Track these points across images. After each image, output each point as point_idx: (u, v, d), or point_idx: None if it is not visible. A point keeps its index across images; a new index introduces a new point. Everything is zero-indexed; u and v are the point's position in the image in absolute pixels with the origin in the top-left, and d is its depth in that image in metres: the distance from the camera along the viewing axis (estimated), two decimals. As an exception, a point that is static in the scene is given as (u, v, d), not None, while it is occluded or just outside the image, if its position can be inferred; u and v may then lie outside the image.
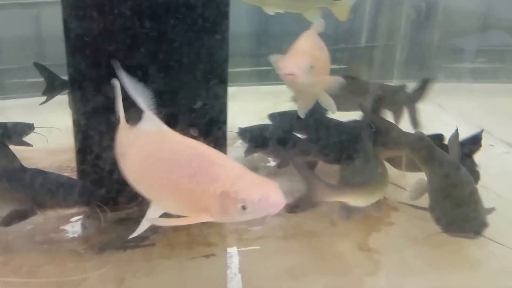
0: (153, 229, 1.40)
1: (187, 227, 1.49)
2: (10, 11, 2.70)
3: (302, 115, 1.59)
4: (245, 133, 1.99)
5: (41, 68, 2.09)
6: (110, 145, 1.18)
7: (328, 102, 1.53)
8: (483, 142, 1.74)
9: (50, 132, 2.01)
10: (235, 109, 1.67)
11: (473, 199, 1.46)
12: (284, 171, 1.86)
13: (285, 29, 2.37)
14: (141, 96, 0.99)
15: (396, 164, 1.80)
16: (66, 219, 1.56)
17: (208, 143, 0.97)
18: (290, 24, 2.24)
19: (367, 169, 1.58)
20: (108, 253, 1.42)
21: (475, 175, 1.63)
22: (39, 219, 1.49)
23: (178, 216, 0.98)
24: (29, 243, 1.48)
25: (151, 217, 1.02)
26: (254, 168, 1.13)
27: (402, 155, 1.75)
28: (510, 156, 2.24)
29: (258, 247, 1.51)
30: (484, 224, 1.39)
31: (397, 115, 1.95)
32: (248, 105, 2.47)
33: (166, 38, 1.42)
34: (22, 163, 1.47)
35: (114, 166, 1.17)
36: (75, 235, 1.53)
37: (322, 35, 1.63)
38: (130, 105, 1.04)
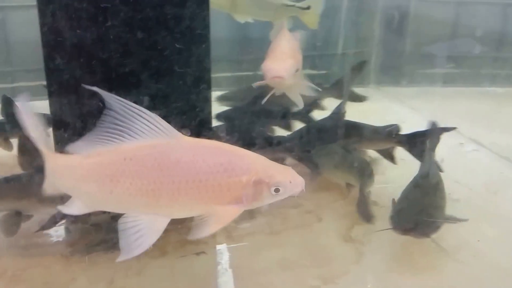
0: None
1: (175, 226, 1.46)
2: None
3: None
4: None
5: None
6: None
7: (297, 99, 1.73)
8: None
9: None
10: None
11: (427, 200, 1.55)
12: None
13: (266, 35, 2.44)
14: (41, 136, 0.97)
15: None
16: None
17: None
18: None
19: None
20: (96, 255, 1.44)
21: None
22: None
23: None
24: (13, 248, 1.47)
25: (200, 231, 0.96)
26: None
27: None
28: (479, 153, 2.39)
29: (247, 243, 1.55)
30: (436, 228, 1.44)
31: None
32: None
33: (143, 45, 1.38)
34: None
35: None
36: (60, 239, 1.54)
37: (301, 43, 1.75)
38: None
